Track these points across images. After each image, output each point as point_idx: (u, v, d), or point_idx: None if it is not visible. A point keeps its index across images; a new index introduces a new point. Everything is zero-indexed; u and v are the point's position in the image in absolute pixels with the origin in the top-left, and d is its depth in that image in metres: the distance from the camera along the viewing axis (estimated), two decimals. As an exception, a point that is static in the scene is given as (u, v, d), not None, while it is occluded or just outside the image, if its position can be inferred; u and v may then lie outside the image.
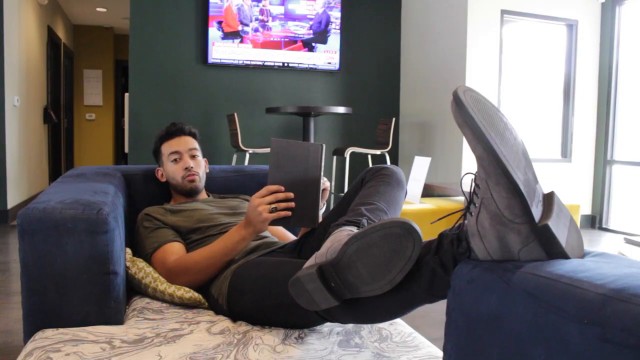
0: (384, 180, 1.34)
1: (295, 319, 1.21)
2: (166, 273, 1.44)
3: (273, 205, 1.29)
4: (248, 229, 1.35)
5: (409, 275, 0.91)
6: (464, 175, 0.87)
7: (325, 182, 1.41)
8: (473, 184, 0.82)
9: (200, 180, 1.72)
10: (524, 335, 0.66)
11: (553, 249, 0.76)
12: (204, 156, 1.81)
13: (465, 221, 0.84)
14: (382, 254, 0.91)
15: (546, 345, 0.63)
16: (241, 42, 4.80)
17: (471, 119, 0.76)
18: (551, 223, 0.75)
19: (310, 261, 1.03)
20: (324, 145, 1.31)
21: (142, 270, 1.42)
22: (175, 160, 1.70)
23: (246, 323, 1.27)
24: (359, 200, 1.28)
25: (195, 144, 1.75)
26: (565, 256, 0.76)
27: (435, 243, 0.91)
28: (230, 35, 4.77)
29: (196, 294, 1.39)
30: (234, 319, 1.31)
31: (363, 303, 1.00)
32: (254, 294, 1.26)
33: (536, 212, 0.77)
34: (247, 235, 1.35)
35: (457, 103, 0.77)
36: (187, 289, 1.40)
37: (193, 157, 1.72)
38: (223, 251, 1.38)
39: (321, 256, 1.01)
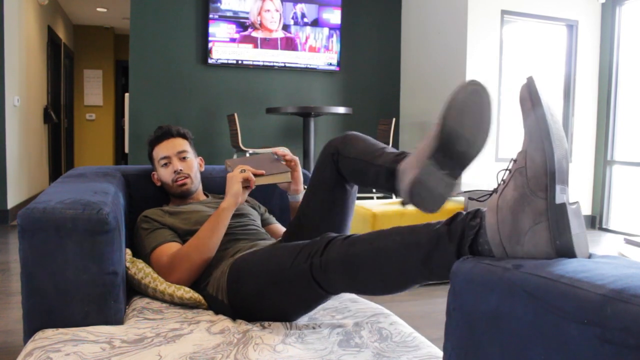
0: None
1: (296, 296, 1.23)
2: (163, 271, 1.45)
3: (243, 168, 1.46)
4: (226, 198, 1.44)
5: (408, 243, 0.99)
6: (499, 172, 0.93)
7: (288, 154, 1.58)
8: (509, 164, 0.89)
9: (193, 181, 1.71)
10: (524, 335, 0.66)
11: (562, 235, 0.77)
12: (201, 155, 1.81)
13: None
14: (472, 111, 1.03)
15: (546, 345, 0.63)
16: (243, 31, 4.80)
17: (537, 94, 0.85)
18: (568, 208, 0.78)
19: (411, 162, 1.08)
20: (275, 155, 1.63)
21: (142, 270, 1.43)
22: (165, 164, 1.71)
23: (246, 322, 1.27)
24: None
25: (184, 145, 1.73)
26: (570, 248, 0.77)
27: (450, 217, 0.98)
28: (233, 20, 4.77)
29: (196, 294, 1.39)
30: (235, 313, 1.31)
31: (362, 272, 1.06)
32: (254, 277, 1.28)
33: (558, 195, 0.80)
34: (227, 205, 1.44)
35: (530, 80, 0.88)
36: (187, 289, 1.40)
37: (183, 159, 1.71)
38: (209, 228, 1.43)
39: (421, 153, 1.07)
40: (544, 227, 0.78)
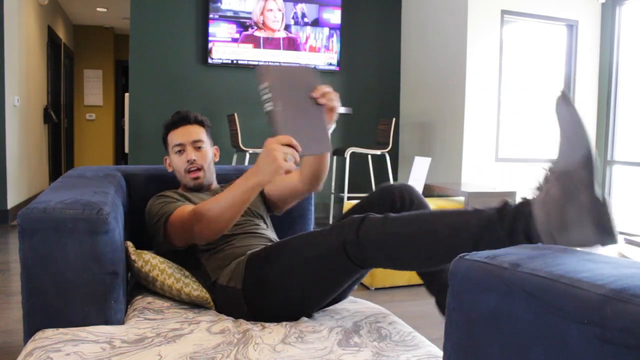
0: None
1: (325, 272, 1.25)
2: (182, 226, 1.40)
3: (289, 154, 1.17)
4: (257, 176, 1.23)
5: (458, 225, 1.08)
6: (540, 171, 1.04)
7: (331, 99, 1.29)
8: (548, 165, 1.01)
9: (205, 174, 1.65)
10: (524, 335, 0.66)
11: (604, 224, 0.91)
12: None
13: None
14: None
15: (546, 345, 0.63)
16: (243, 30, 4.80)
17: (572, 101, 0.97)
18: (606, 200, 0.92)
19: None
20: (315, 67, 1.31)
21: (148, 262, 1.39)
22: (179, 152, 1.64)
23: (246, 322, 1.27)
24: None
25: (201, 133, 1.66)
26: (613, 236, 0.90)
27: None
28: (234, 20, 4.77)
29: (204, 293, 1.38)
30: (247, 298, 1.32)
31: (408, 251, 1.13)
32: (277, 259, 1.31)
33: (597, 189, 0.93)
34: (255, 184, 1.24)
35: (564, 91, 0.98)
36: (195, 286, 1.39)
37: (198, 148, 1.64)
38: (232, 201, 1.29)
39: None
40: (588, 218, 0.92)
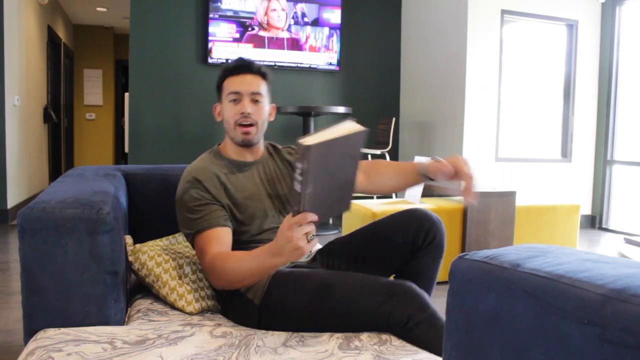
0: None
1: (356, 319, 1.24)
2: (201, 264, 1.36)
3: (311, 234, 1.12)
4: (280, 258, 1.17)
5: None
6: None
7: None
8: None
9: (257, 132, 1.50)
10: (524, 335, 0.66)
11: None
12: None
13: None
14: None
15: (546, 345, 0.63)
16: (243, 30, 4.80)
17: None
18: None
19: None
20: (367, 130, 1.13)
21: (145, 266, 1.40)
22: (234, 100, 1.48)
23: (249, 328, 1.27)
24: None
25: (261, 86, 1.51)
26: None
27: None
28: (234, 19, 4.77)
29: (195, 310, 1.36)
30: (261, 315, 1.30)
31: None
32: (308, 287, 1.29)
33: None
34: (278, 264, 1.20)
35: None
36: (189, 299, 1.36)
37: (255, 102, 1.49)
38: (251, 273, 1.26)
39: None
40: None
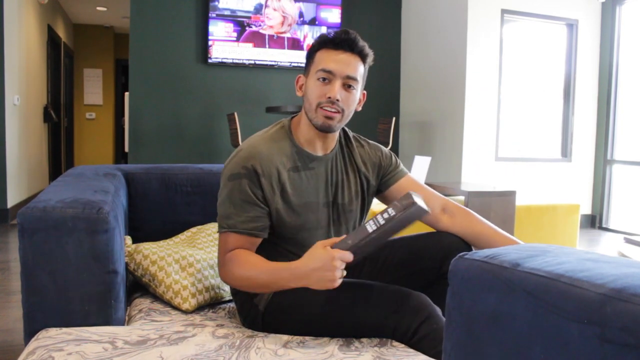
0: None
1: (361, 330, 1.21)
2: (218, 254, 1.27)
3: (344, 271, 1.10)
4: (302, 282, 1.12)
5: None
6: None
7: None
8: None
9: (341, 120, 1.31)
10: (524, 335, 0.66)
11: None
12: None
13: None
14: None
15: (546, 345, 0.63)
16: (242, 30, 4.80)
17: None
18: None
19: None
20: (429, 213, 1.16)
21: (140, 266, 1.41)
22: (323, 79, 1.28)
23: (251, 331, 1.27)
24: None
25: (359, 70, 1.32)
26: None
27: None
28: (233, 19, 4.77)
29: (192, 306, 1.36)
30: (264, 321, 1.27)
31: None
32: (312, 296, 1.19)
33: None
34: (298, 286, 1.14)
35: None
36: (184, 296, 1.36)
37: (348, 87, 1.30)
38: (268, 286, 1.21)
39: None
40: None
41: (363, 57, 1.33)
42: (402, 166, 1.49)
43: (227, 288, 1.47)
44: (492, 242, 1.32)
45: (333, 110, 1.27)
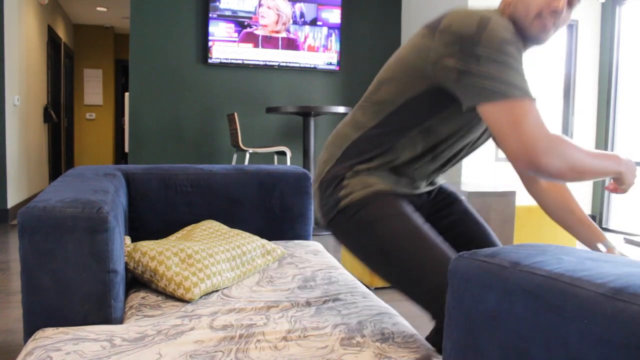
0: None
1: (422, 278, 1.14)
2: (519, 138, 1.05)
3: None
4: (623, 166, 1.19)
5: None
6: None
7: None
8: None
9: (554, 29, 1.18)
10: (524, 334, 0.66)
11: None
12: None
13: None
14: None
15: (546, 345, 0.63)
16: (243, 29, 4.80)
17: None
18: None
19: None
20: None
21: (140, 263, 1.41)
22: None
23: (250, 318, 1.27)
24: None
25: None
26: None
27: None
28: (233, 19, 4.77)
29: (196, 295, 1.38)
30: (336, 218, 1.24)
31: None
32: (383, 238, 1.15)
33: None
34: (614, 172, 1.18)
35: None
36: (187, 286, 1.37)
37: (571, 6, 1.17)
38: (595, 172, 1.12)
39: None
40: None
41: None
42: None
43: (228, 275, 1.47)
44: (578, 222, 1.37)
45: (553, 20, 1.15)
